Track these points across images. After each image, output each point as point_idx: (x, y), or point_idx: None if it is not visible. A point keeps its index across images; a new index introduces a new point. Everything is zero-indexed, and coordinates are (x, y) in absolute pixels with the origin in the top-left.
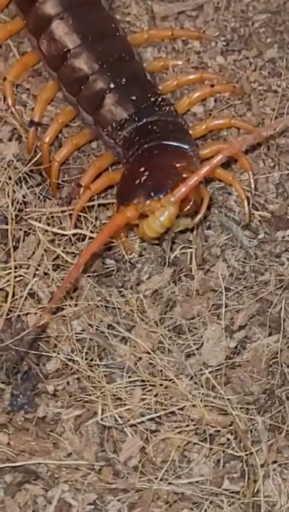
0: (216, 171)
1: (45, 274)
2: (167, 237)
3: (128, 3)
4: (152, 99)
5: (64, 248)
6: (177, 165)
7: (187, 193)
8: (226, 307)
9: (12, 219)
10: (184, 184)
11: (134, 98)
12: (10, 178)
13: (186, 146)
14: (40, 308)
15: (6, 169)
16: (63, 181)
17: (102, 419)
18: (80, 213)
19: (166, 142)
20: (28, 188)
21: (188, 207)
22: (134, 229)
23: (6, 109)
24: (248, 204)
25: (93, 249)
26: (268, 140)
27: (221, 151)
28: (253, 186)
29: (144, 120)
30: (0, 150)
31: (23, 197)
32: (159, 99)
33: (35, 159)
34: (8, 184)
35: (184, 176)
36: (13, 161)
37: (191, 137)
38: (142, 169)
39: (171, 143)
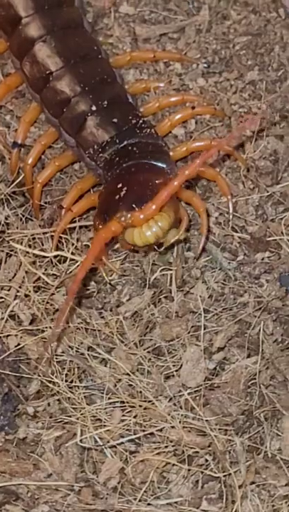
0: (191, 199)
1: (26, 295)
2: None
3: (111, 25)
4: (133, 121)
5: (45, 270)
6: (155, 181)
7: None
8: (204, 329)
9: None
10: (164, 189)
11: (115, 120)
12: None
13: (163, 165)
14: (21, 330)
15: None
16: (46, 203)
17: (81, 441)
18: (62, 235)
19: (143, 161)
20: (10, 209)
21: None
22: (118, 249)
23: None
24: (205, 242)
25: (84, 271)
26: (247, 161)
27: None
28: (231, 209)
29: (125, 142)
30: None
31: (5, 218)
32: (140, 121)
33: (18, 180)
34: None
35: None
36: None
37: (170, 158)
38: (120, 185)
39: (149, 161)
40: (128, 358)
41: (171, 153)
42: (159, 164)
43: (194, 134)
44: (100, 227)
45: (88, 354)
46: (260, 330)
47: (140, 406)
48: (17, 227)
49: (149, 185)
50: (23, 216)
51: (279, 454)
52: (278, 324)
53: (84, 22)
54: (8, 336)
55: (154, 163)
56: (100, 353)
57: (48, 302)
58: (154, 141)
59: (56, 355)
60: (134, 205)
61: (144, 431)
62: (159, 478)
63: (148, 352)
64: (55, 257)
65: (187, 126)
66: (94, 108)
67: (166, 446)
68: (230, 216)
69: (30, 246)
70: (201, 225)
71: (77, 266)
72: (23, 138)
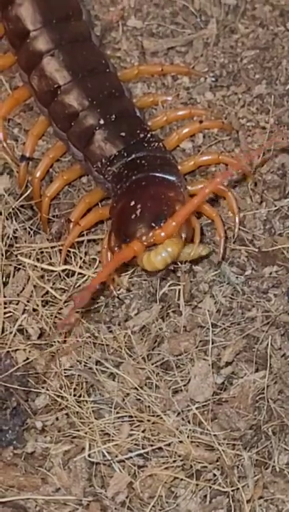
0: (201, 206)
1: (34, 310)
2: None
3: (118, 38)
4: (141, 135)
5: (53, 284)
6: (168, 194)
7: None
8: (212, 343)
9: (2, 254)
10: (185, 207)
11: (123, 134)
12: (0, 214)
13: (173, 178)
14: (30, 344)
15: None
16: (54, 216)
17: (90, 455)
18: (70, 249)
19: (153, 173)
20: (18, 223)
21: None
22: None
23: None
24: (225, 243)
25: (98, 282)
26: (254, 175)
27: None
28: (237, 227)
29: (133, 156)
30: None
31: (14, 232)
32: (148, 135)
33: (26, 194)
34: None
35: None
36: (4, 195)
37: (179, 171)
38: (134, 203)
39: (158, 174)
40: (136, 372)
41: (179, 167)
42: (169, 177)
43: (202, 148)
44: (117, 247)
45: (96, 368)
46: (268, 344)
47: (148, 420)
48: (25, 241)
49: (162, 199)
50: (31, 230)
51: (287, 469)
52: (286, 339)
53: (92, 36)
54: (16, 350)
55: (164, 175)
56: (108, 368)
57: (56, 316)
58: (162, 154)
59: (65, 369)
60: (153, 224)
61: (152, 445)
62: (168, 493)
63: (156, 366)
64: (63, 271)
65: (195, 140)
66: (102, 122)
67: (174, 461)
68: (236, 230)
69: (38, 260)
70: (217, 229)
71: (86, 280)
72: (31, 151)
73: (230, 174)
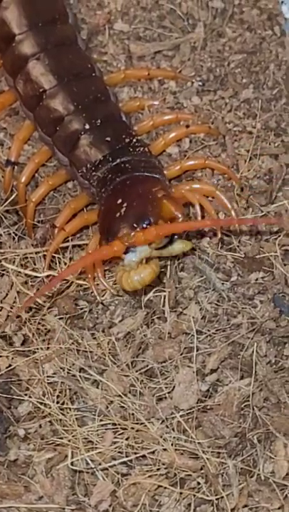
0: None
1: (18, 316)
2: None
3: (105, 42)
4: (127, 140)
5: (37, 289)
6: (153, 189)
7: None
8: (197, 350)
9: None
10: (171, 225)
11: (108, 139)
12: None
13: (157, 176)
14: (12, 351)
15: None
16: (39, 221)
17: (73, 463)
18: (54, 254)
19: (137, 173)
20: (3, 228)
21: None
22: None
23: None
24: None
25: (59, 279)
26: (241, 180)
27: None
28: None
29: (118, 160)
30: None
31: None
32: (134, 140)
33: (11, 198)
34: None
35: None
36: None
37: (164, 174)
38: (119, 201)
39: (142, 173)
40: (120, 379)
41: (165, 172)
42: (153, 175)
43: (188, 153)
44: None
45: (80, 375)
46: (253, 351)
47: (132, 428)
48: (9, 246)
49: (147, 197)
50: (16, 235)
51: (272, 477)
52: (272, 346)
53: (78, 39)
54: None
55: (148, 174)
56: (91, 375)
57: (39, 323)
58: (147, 159)
59: (48, 376)
60: (135, 225)
61: (136, 453)
62: (151, 501)
63: (140, 373)
64: (47, 276)
65: (181, 145)
66: (87, 127)
67: (158, 469)
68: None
69: (22, 265)
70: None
71: (70, 286)
72: (17, 156)
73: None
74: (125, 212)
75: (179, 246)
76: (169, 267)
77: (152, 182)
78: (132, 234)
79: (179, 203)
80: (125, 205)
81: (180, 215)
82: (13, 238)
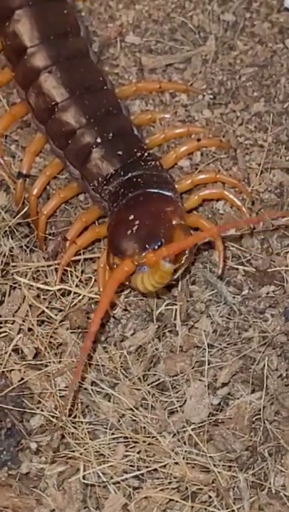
0: (198, 221)
1: (30, 329)
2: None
3: (117, 55)
4: (138, 153)
5: (49, 303)
6: (166, 209)
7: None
8: (209, 364)
9: None
10: (181, 242)
11: (120, 153)
12: None
13: (170, 194)
14: (25, 364)
15: None
16: (50, 234)
17: (84, 476)
18: (66, 267)
19: (150, 190)
20: (15, 241)
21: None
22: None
23: None
24: (224, 257)
25: (101, 313)
26: (252, 193)
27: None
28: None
29: (130, 174)
30: None
31: (10, 250)
32: (145, 154)
33: (23, 211)
34: None
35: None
36: (0, 212)
37: (176, 189)
38: (131, 217)
39: (155, 190)
40: (132, 393)
41: (176, 186)
42: (165, 192)
43: (200, 166)
44: (115, 263)
45: (92, 389)
46: (264, 365)
47: (144, 442)
48: (21, 259)
49: (159, 217)
50: (28, 247)
51: (283, 491)
52: (283, 359)
53: (90, 52)
54: (11, 370)
55: (161, 191)
56: (103, 388)
57: (51, 336)
58: (158, 173)
59: (59, 389)
60: (147, 246)
61: (147, 467)
62: None
63: (152, 387)
64: (59, 290)
65: (193, 158)
66: (99, 140)
67: (169, 483)
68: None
69: (34, 278)
70: (216, 244)
71: (82, 299)
72: (28, 168)
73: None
74: (137, 230)
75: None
76: (180, 280)
77: (166, 201)
78: (143, 255)
79: (189, 233)
80: (137, 222)
81: (187, 252)
82: (25, 251)
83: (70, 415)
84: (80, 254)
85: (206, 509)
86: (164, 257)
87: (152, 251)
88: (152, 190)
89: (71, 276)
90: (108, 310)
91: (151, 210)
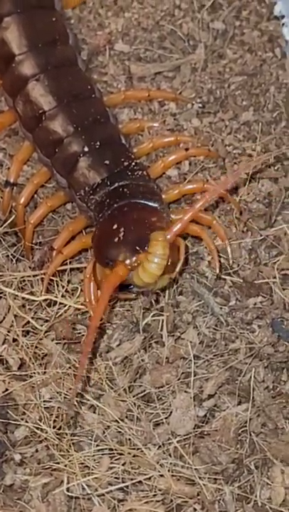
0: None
1: (14, 340)
2: (148, 301)
3: (105, 63)
4: (125, 163)
5: (35, 313)
6: (151, 219)
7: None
8: (195, 375)
9: None
10: (179, 222)
11: (107, 162)
12: None
13: (155, 205)
14: (9, 375)
15: None
16: (37, 243)
17: (69, 488)
18: (52, 277)
19: (135, 200)
20: (1, 250)
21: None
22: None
23: None
24: (218, 255)
25: (97, 321)
26: (240, 203)
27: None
28: (230, 255)
29: (116, 184)
30: None
31: None
32: (132, 163)
33: (10, 220)
34: None
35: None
36: None
37: (162, 200)
38: (116, 226)
39: (141, 201)
40: (117, 404)
41: (163, 196)
42: (151, 203)
43: (188, 176)
44: (103, 271)
45: (77, 400)
46: (251, 377)
47: (129, 453)
48: (7, 269)
49: (145, 223)
50: (14, 257)
51: (269, 504)
52: (269, 371)
53: (78, 60)
54: None
55: (146, 202)
56: (88, 400)
57: (36, 347)
58: (145, 183)
59: (44, 401)
60: (137, 248)
61: (132, 479)
62: None
63: (137, 398)
64: (45, 300)
65: (181, 167)
66: (86, 149)
67: (154, 495)
68: (230, 261)
69: (20, 288)
70: (206, 244)
71: (67, 309)
72: (16, 177)
73: (207, 201)
74: (124, 236)
75: (162, 282)
76: (167, 290)
77: (150, 211)
78: (135, 257)
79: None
80: (122, 230)
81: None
82: (11, 260)
83: (54, 427)
84: (66, 264)
85: None
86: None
87: (143, 252)
88: (137, 201)
89: (57, 286)
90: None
91: (136, 219)
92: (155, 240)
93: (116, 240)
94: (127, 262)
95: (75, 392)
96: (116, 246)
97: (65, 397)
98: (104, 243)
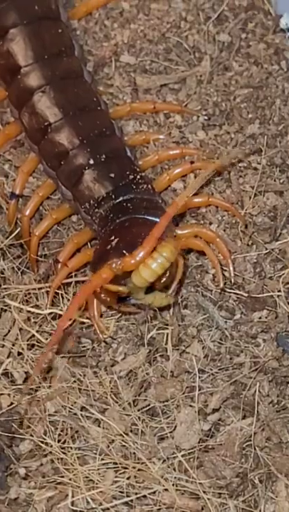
0: (189, 241)
1: (19, 353)
2: (144, 316)
3: (111, 74)
4: (131, 176)
5: (40, 326)
6: (147, 232)
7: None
8: (199, 390)
9: None
10: (152, 232)
11: (112, 175)
12: None
13: (157, 219)
14: (14, 389)
15: None
16: (42, 255)
17: (73, 502)
18: (57, 290)
19: (136, 216)
20: (6, 262)
21: (164, 279)
22: (109, 307)
23: None
24: (221, 269)
25: (64, 322)
26: (245, 217)
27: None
28: (232, 272)
29: (121, 198)
30: None
31: (1, 272)
32: (138, 176)
33: (15, 232)
34: None
35: None
36: None
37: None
38: (112, 238)
39: (142, 216)
40: (122, 418)
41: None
42: (153, 218)
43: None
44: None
45: (81, 414)
46: (255, 391)
47: (133, 467)
48: (13, 281)
49: (140, 235)
50: (19, 269)
51: None
52: (274, 385)
53: (84, 72)
54: (0, 394)
55: (147, 217)
56: (93, 414)
57: None
58: (149, 197)
59: (49, 415)
60: (124, 251)
61: (137, 493)
62: None
63: (142, 412)
64: (50, 313)
65: (186, 180)
66: (92, 162)
67: (159, 509)
68: (232, 279)
69: (25, 301)
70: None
71: (73, 323)
72: (21, 189)
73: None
74: (116, 244)
75: (159, 299)
76: (172, 304)
77: (151, 226)
78: (120, 260)
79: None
80: (117, 239)
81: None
82: (17, 272)
83: (59, 440)
84: (71, 277)
85: None
86: (143, 255)
87: (129, 255)
88: (139, 216)
89: (62, 299)
90: (98, 334)
91: (133, 232)
92: (166, 242)
93: (108, 248)
94: (113, 265)
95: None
96: (106, 253)
97: (70, 411)
98: (98, 254)
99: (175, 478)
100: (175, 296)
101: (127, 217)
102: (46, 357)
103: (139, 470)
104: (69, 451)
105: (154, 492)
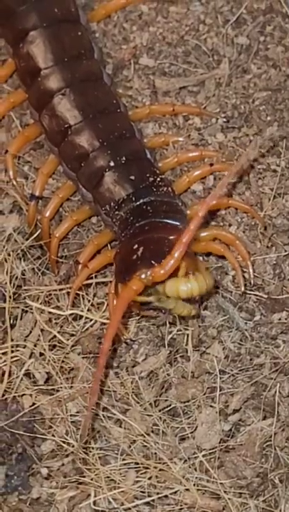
0: (208, 245)
1: (41, 354)
2: (164, 319)
3: (130, 77)
4: (151, 179)
5: (61, 327)
6: (170, 237)
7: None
8: (220, 390)
9: (10, 296)
10: (180, 239)
11: (132, 178)
12: (9, 255)
13: (177, 223)
14: (36, 389)
15: (4, 246)
16: (63, 256)
17: (95, 502)
18: (78, 291)
19: (157, 219)
20: (27, 263)
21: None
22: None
23: (7, 181)
24: (242, 272)
25: (110, 336)
26: (264, 219)
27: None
28: (251, 274)
29: (141, 200)
30: (0, 222)
31: (22, 273)
32: (158, 179)
33: (36, 234)
34: (7, 261)
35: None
36: (13, 234)
37: (185, 217)
38: (136, 246)
39: (162, 220)
40: (143, 418)
41: (188, 212)
42: (173, 222)
43: (212, 190)
44: (120, 289)
45: (103, 414)
46: (276, 392)
47: (155, 468)
48: (33, 282)
49: (164, 242)
50: (40, 270)
51: None
52: None
53: (103, 74)
54: (23, 395)
55: (168, 221)
56: (114, 414)
57: (63, 361)
58: (169, 199)
59: (71, 415)
60: (153, 262)
61: (158, 493)
62: None
63: (163, 413)
64: (71, 314)
65: (205, 182)
66: (112, 164)
67: (180, 509)
68: (251, 280)
69: (46, 302)
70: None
71: (93, 324)
72: (41, 190)
73: (218, 195)
74: (142, 254)
75: (183, 308)
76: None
77: (171, 230)
78: (150, 271)
79: (195, 259)
80: (142, 248)
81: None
82: (37, 274)
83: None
84: (92, 278)
85: None
86: (172, 265)
87: (158, 265)
88: (159, 220)
89: (83, 300)
90: (119, 335)
91: (156, 237)
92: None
93: (134, 257)
94: (142, 276)
95: (92, 403)
96: (133, 263)
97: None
98: (123, 262)
99: (196, 478)
100: (197, 309)
101: (146, 221)
102: (99, 374)
103: (160, 470)
104: (91, 452)
105: (176, 492)
